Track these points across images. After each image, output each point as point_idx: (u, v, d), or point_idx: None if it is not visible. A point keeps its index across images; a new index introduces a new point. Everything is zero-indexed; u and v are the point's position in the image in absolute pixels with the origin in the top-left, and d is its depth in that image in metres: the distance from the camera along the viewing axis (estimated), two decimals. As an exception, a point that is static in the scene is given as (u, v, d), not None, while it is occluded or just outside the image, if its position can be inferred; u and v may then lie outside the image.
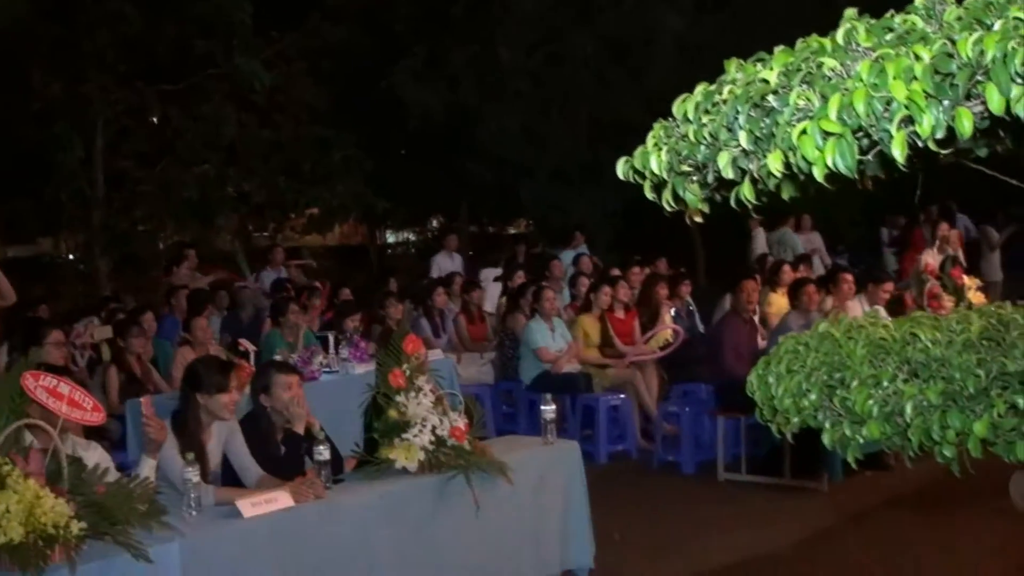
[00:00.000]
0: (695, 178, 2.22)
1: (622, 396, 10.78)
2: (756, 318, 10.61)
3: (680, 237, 16.80)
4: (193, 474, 5.20)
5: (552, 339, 11.02)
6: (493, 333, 12.53)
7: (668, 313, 11.87)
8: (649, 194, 2.29)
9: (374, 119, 20.93)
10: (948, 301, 11.27)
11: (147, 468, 5.34)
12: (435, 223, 28.59)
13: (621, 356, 11.17)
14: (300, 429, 6.34)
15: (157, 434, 5.43)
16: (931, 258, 13.46)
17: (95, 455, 5.26)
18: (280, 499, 5.26)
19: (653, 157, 2.22)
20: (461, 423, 6.11)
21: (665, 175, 2.22)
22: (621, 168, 2.30)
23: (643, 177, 2.28)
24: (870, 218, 18.92)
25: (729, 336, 9.82)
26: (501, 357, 11.87)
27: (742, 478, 9.48)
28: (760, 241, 17.31)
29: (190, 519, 5.04)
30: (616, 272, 13.10)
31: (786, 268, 12.37)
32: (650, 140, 2.27)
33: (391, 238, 32.40)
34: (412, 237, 30.53)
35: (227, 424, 6.09)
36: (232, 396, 6.07)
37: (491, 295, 14.12)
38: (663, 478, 9.88)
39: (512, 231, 28.16)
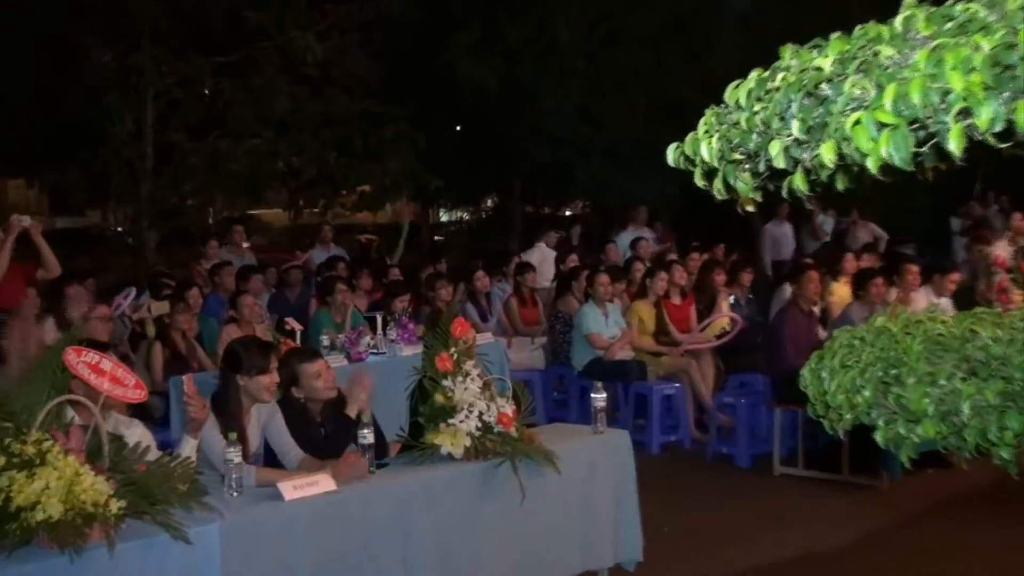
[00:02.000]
0: (747, 167, 2.22)
1: (676, 385, 10.77)
2: (818, 309, 10.55)
3: (741, 222, 16.73)
4: (235, 455, 5.22)
5: (605, 325, 11.02)
6: (545, 316, 12.53)
7: (726, 301, 11.82)
8: (700, 182, 2.29)
9: (427, 95, 20.95)
10: (1017, 295, 11.13)
11: (188, 448, 5.39)
12: (489, 202, 28.59)
13: (676, 344, 11.15)
14: (353, 412, 6.37)
15: (198, 413, 5.48)
16: (1002, 250, 13.28)
17: (137, 433, 5.32)
18: (322, 482, 5.30)
19: (704, 144, 2.22)
20: (509, 409, 6.11)
21: (716, 163, 2.23)
22: (672, 154, 2.30)
23: (694, 164, 2.29)
24: (939, 207, 18.70)
25: (788, 327, 9.77)
26: (552, 342, 11.89)
27: (798, 472, 9.45)
28: (826, 228, 17.22)
29: (231, 501, 5.07)
30: (673, 256, 13.06)
31: (848, 257, 12.29)
32: (701, 127, 2.27)
33: (444, 217, 32.44)
34: (466, 216, 30.54)
35: (267, 406, 6.14)
36: (272, 378, 6.10)
37: (543, 270, 14.12)
38: (717, 471, 9.88)
39: (568, 212, 28.12)
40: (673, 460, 10.23)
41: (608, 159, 20.83)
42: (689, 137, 2.30)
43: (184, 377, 5.77)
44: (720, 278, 11.97)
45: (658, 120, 18.49)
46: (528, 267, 12.98)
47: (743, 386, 10.81)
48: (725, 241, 15.34)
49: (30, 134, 17.50)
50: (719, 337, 11.34)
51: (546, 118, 20.37)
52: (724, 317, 11.57)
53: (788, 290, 10.86)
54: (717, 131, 2.22)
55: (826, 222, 17.06)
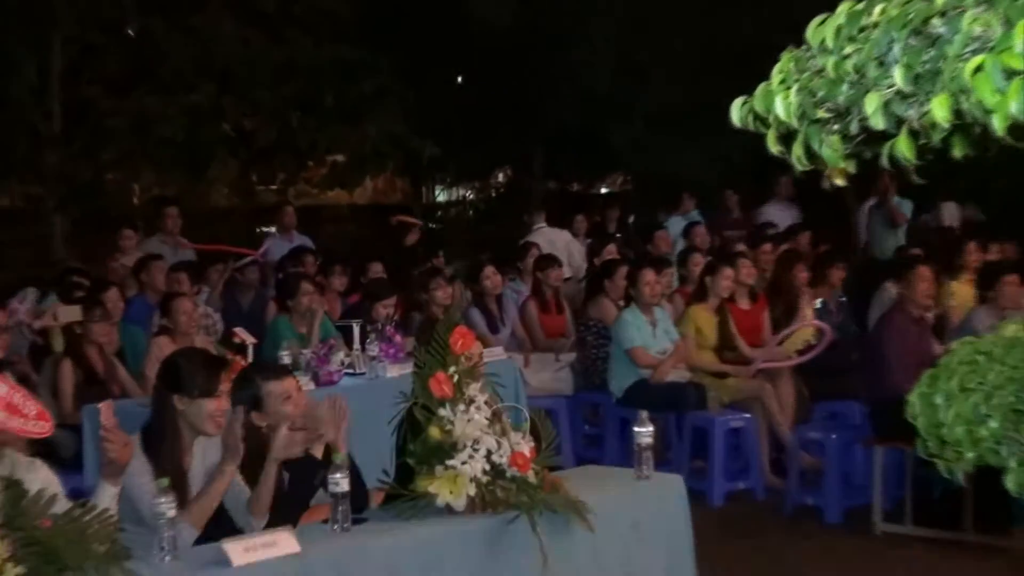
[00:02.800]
0: (835, 127, 2.22)
1: (746, 416, 10.80)
2: (932, 315, 10.53)
3: (832, 201, 16.70)
4: (167, 507, 5.21)
5: (653, 336, 11.03)
6: (573, 326, 12.53)
7: (810, 305, 11.82)
8: (774, 147, 2.29)
9: (419, 38, 20.93)
10: None
11: (107, 497, 5.39)
12: (501, 177, 28.60)
13: (746, 362, 11.17)
14: (318, 452, 6.37)
15: (119, 453, 5.48)
16: None
17: (40, 478, 5.31)
18: (281, 543, 5.30)
19: (779, 99, 2.22)
20: (526, 447, 6.11)
21: (795, 122, 2.22)
22: (737, 112, 2.30)
23: (766, 124, 2.28)
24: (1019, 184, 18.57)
25: (893, 339, 9.75)
26: (583, 358, 11.89)
27: (906, 530, 9.45)
28: (949, 210, 17.13)
29: (161, 567, 5.09)
30: (741, 248, 13.05)
31: (971, 247, 12.24)
32: (776, 76, 2.27)
33: (442, 196, 32.44)
34: (470, 195, 30.55)
35: (215, 443, 6.15)
36: (220, 403, 6.12)
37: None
38: (798, 528, 9.89)
39: (604, 190, 28.12)
40: (742, 514, 10.26)
41: (656, 122, 20.79)
42: (760, 89, 2.30)
43: (101, 405, 5.76)
44: (803, 276, 11.96)
45: (719, 71, 18.44)
46: (550, 261, 12.97)
47: (833, 417, 10.82)
48: (811, 227, 15.30)
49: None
50: (801, 352, 11.35)
51: (576, 68, 20.34)
52: (808, 326, 11.57)
53: (892, 291, 10.85)
54: (796, 81, 2.22)
55: (903, 204, 16.99)
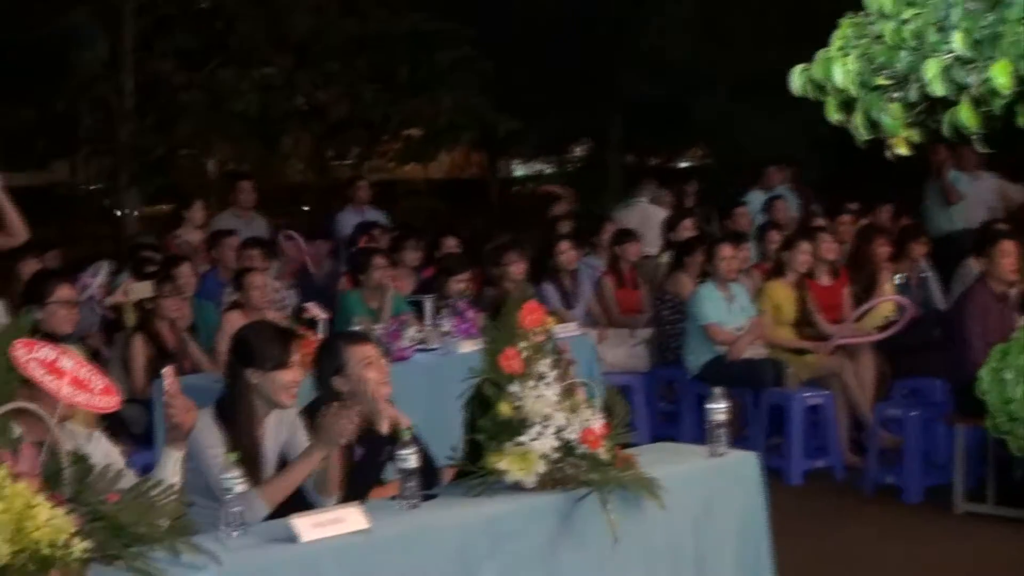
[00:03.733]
0: (895, 94, 2.21)
1: (825, 393, 10.76)
2: (1015, 291, 10.43)
3: (913, 173, 16.55)
4: (235, 482, 5.21)
5: (729, 312, 11.01)
6: (650, 302, 12.51)
7: (891, 280, 11.74)
8: (833, 115, 2.28)
9: (496, 7, 20.89)
10: None
11: (171, 462, 5.45)
12: (579, 151, 28.56)
13: (825, 338, 11.12)
14: (384, 427, 6.42)
15: (182, 417, 5.52)
16: None
17: (99, 448, 5.36)
18: (350, 519, 5.31)
19: (838, 66, 2.21)
20: (597, 424, 6.11)
21: (854, 90, 2.21)
22: (797, 80, 2.30)
23: (826, 92, 2.27)
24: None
25: (976, 315, 9.67)
26: (660, 335, 11.88)
27: (988, 510, 9.39)
28: (960, 187, 16.85)
29: (229, 542, 5.11)
30: (820, 222, 12.97)
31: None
32: (834, 43, 2.26)
33: (519, 171, 32.44)
34: (548, 169, 30.54)
35: (289, 419, 6.19)
36: (294, 374, 6.18)
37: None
38: (878, 507, 9.84)
39: (684, 164, 28.04)
40: (820, 493, 10.22)
41: (737, 92, 20.67)
42: (819, 56, 2.29)
43: (164, 371, 5.78)
44: (883, 250, 11.88)
45: (805, 38, 18.31)
46: (628, 236, 12.95)
47: (914, 395, 10.74)
48: (891, 199, 15.17)
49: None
50: (882, 329, 11.27)
51: (654, 37, 20.24)
52: (889, 302, 11.49)
53: (974, 267, 10.75)
54: (855, 47, 2.21)
55: (960, 179, 16.70)
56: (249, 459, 5.89)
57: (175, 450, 5.54)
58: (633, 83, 20.95)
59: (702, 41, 20.42)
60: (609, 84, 21.31)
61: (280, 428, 6.20)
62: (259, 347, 6.15)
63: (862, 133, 2.30)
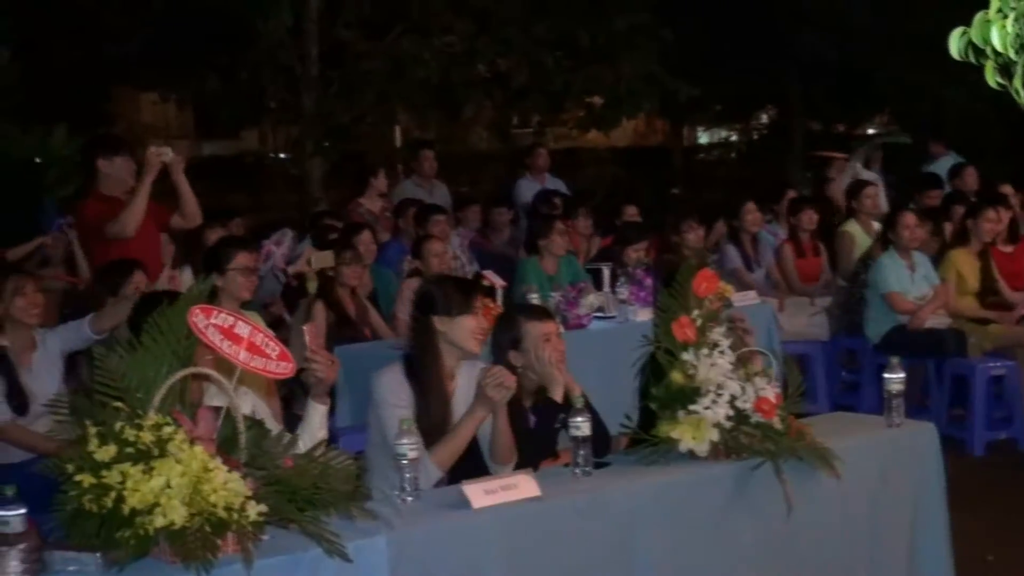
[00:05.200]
0: (1056, 59, 2.15)
1: (1009, 363, 10.58)
2: None
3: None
4: (409, 448, 5.22)
5: (911, 281, 10.87)
6: (830, 270, 12.39)
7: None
8: (992, 79, 2.22)
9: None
10: None
11: (316, 418, 5.58)
12: (764, 118, 28.34)
13: (1009, 307, 10.96)
14: (558, 396, 6.44)
15: (326, 371, 5.62)
16: None
17: (247, 404, 5.45)
18: (522, 486, 5.32)
19: (995, 28, 2.15)
20: (771, 393, 6.06)
21: (1013, 54, 2.15)
22: (955, 43, 2.24)
23: (985, 55, 2.22)
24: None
25: None
26: (841, 303, 11.76)
27: None
28: None
29: (402, 506, 5.15)
30: (1008, 190, 12.74)
31: None
32: (993, 5, 2.20)
33: (703, 138, 32.32)
34: (734, 137, 30.37)
35: (477, 371, 6.21)
36: (480, 320, 6.28)
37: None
38: (1063, 479, 9.66)
39: (871, 131, 27.67)
40: (1002, 465, 10.08)
41: (921, 58, 20.29)
42: (977, 19, 2.23)
43: (306, 327, 5.91)
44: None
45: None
46: (805, 203, 12.80)
47: (1102, 365, 10.53)
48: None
49: (162, 34, 17.91)
50: (1069, 297, 11.08)
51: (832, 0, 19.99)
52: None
53: None
54: (1013, 9, 2.15)
55: None
56: (440, 411, 6.05)
57: (320, 403, 5.65)
58: (809, 46, 20.65)
59: (881, 4, 20.07)
60: (785, 48, 21.03)
61: (471, 386, 6.19)
62: (443, 295, 6.26)
63: (1021, 96, 2.25)
